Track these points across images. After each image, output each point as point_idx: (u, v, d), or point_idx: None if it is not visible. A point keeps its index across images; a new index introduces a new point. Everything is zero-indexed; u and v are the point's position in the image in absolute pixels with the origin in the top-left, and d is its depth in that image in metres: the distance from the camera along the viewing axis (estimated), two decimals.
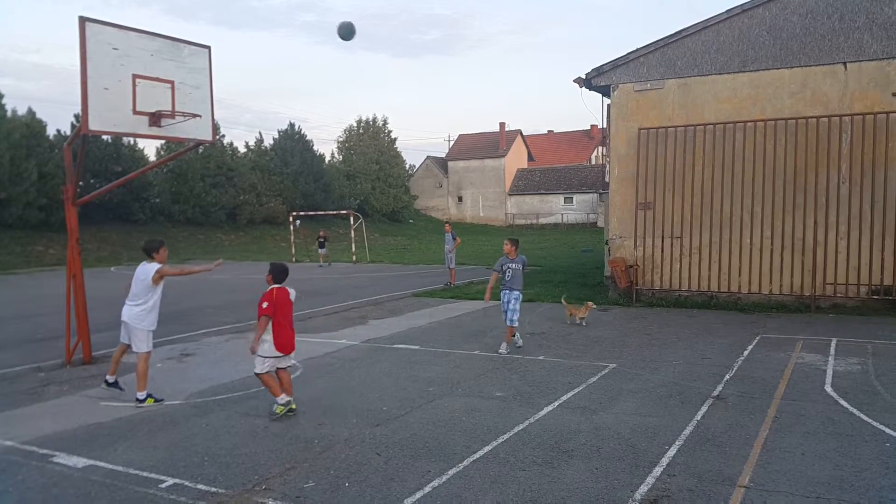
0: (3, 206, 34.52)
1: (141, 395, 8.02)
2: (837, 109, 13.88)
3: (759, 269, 14.62)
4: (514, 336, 10.85)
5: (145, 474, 5.80)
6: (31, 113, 37.80)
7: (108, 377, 8.43)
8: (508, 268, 10.79)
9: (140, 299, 8.03)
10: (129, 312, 8.06)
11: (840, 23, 13.80)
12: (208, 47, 10.68)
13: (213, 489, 5.47)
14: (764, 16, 14.44)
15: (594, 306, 13.34)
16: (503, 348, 10.61)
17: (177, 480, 5.66)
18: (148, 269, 8.05)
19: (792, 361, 9.59)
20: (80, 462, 6.13)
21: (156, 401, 8.06)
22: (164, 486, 5.56)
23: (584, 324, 12.72)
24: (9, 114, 36.45)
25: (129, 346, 8.25)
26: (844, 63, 13.82)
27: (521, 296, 10.78)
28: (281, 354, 7.29)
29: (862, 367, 9.15)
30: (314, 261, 31.47)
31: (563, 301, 13.49)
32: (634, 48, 15.73)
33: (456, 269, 20.84)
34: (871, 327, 12.13)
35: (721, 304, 14.90)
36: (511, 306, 10.61)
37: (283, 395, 7.36)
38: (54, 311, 14.87)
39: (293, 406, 7.40)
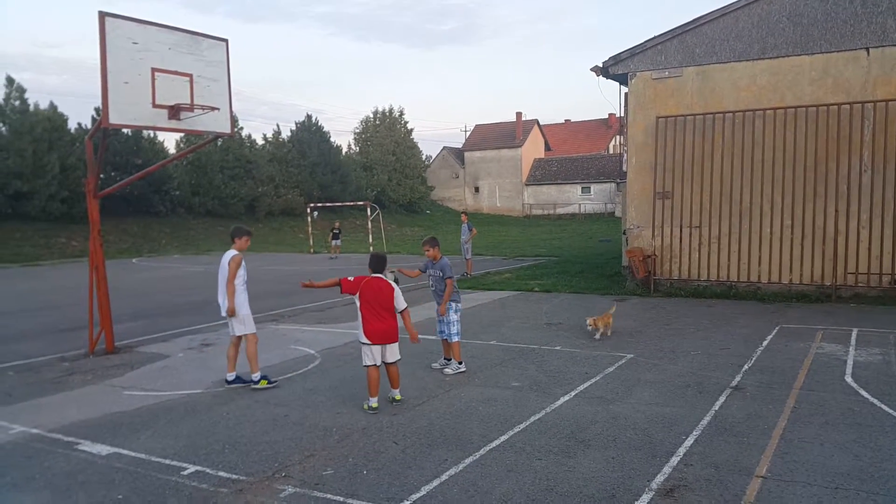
0: (27, 199, 35.05)
1: (255, 376, 8.14)
2: (859, 96, 13.69)
3: (778, 259, 14.50)
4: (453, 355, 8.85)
5: (167, 462, 5.90)
6: (52, 107, 38.29)
7: (227, 375, 8.34)
8: (430, 275, 8.94)
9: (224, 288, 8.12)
10: (224, 305, 8.16)
11: (862, 7, 13.59)
12: (226, 40, 10.75)
13: (234, 476, 5.56)
14: (784, 1, 14.25)
15: (612, 311, 11.12)
16: (451, 368, 8.75)
17: (198, 468, 5.75)
18: (225, 257, 8.16)
19: (812, 351, 9.52)
20: (104, 450, 6.25)
21: (269, 383, 8.16)
22: (185, 473, 5.65)
23: (597, 336, 10.63)
24: (31, 108, 36.95)
25: (239, 338, 8.29)
26: (867, 48, 13.62)
27: (456, 306, 8.83)
28: (369, 342, 7.16)
29: (883, 358, 9.07)
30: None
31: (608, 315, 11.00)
32: (652, 36, 15.61)
33: (472, 260, 20.87)
34: (892, 317, 11.99)
35: (740, 293, 14.80)
36: (448, 318, 8.73)
37: (373, 398, 7.18)
38: (77, 301, 15.11)
39: (377, 405, 7.21)
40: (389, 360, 7.31)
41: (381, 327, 7.17)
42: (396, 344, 7.34)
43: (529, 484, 5.25)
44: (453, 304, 8.82)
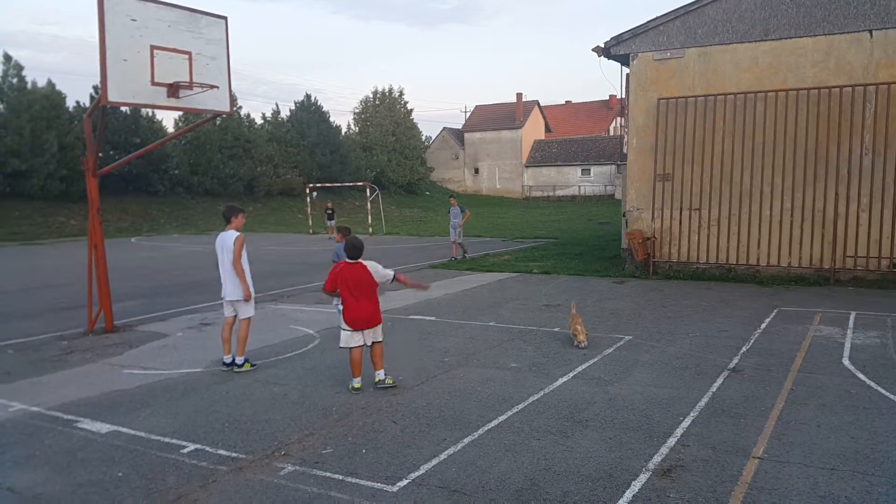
0: (25, 178, 34.93)
1: (240, 359, 8.12)
2: (862, 79, 13.61)
3: (778, 242, 14.50)
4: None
5: (167, 440, 5.94)
6: (50, 85, 38.00)
7: (225, 358, 8.24)
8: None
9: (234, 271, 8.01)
10: (230, 290, 8.06)
11: None
12: (225, 18, 10.66)
13: (234, 454, 5.59)
14: None
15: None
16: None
17: (198, 446, 5.78)
18: (226, 238, 8.03)
19: (810, 334, 9.55)
20: (103, 428, 6.28)
21: (252, 366, 8.17)
22: (185, 451, 5.68)
23: (583, 345, 8.96)
24: (29, 86, 36.68)
25: (234, 319, 8.23)
26: (870, 31, 13.51)
27: None
28: (350, 329, 7.12)
29: (881, 341, 9.10)
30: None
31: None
32: (655, 16, 15.49)
33: (464, 243, 20.43)
34: (891, 301, 12.02)
35: (739, 276, 14.81)
36: None
37: (357, 379, 7.23)
38: (76, 280, 15.12)
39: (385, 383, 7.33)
40: (370, 341, 7.27)
41: (361, 314, 7.10)
42: (379, 326, 7.31)
43: (527, 463, 5.29)
44: None
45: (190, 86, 10.02)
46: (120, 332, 10.59)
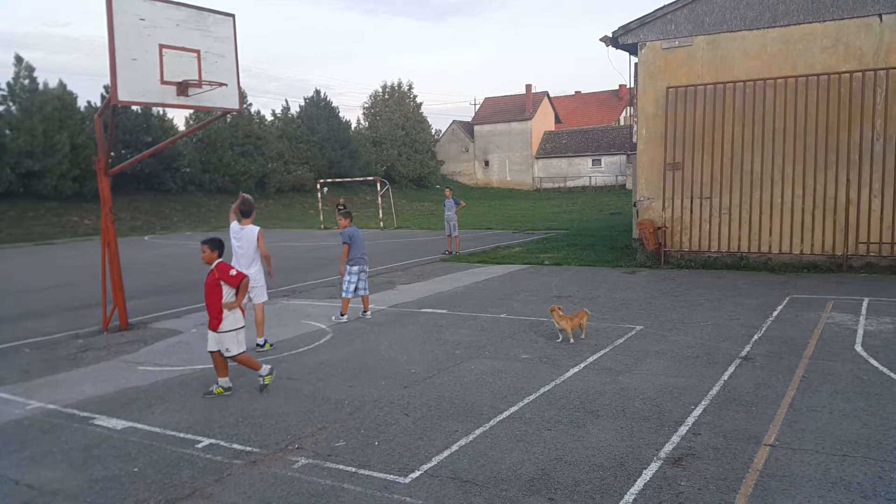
0: (38, 178, 35.22)
1: (261, 340, 8.94)
2: (872, 63, 13.48)
3: (789, 229, 14.41)
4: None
5: (182, 435, 6.00)
6: (62, 85, 38.26)
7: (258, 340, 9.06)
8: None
9: (254, 260, 8.90)
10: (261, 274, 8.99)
11: None
12: (232, 15, 10.71)
13: (248, 448, 5.65)
14: None
15: (590, 313, 9.30)
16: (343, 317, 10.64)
17: (212, 440, 5.85)
18: (249, 231, 8.85)
19: (822, 321, 9.50)
20: (119, 424, 6.35)
21: (272, 346, 9.01)
22: (200, 446, 5.75)
23: (571, 340, 8.80)
24: (41, 87, 36.93)
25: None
26: (880, 15, 13.37)
27: (349, 269, 10.63)
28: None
29: (894, 327, 9.03)
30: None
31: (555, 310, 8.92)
32: (662, 5, 15.39)
33: (460, 237, 20.02)
34: None
35: (751, 264, 14.74)
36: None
37: (225, 378, 7.18)
38: (91, 279, 15.25)
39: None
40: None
41: None
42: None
43: (539, 453, 5.32)
44: (347, 266, 10.58)
45: (199, 84, 10.09)
46: (134, 329, 10.70)
